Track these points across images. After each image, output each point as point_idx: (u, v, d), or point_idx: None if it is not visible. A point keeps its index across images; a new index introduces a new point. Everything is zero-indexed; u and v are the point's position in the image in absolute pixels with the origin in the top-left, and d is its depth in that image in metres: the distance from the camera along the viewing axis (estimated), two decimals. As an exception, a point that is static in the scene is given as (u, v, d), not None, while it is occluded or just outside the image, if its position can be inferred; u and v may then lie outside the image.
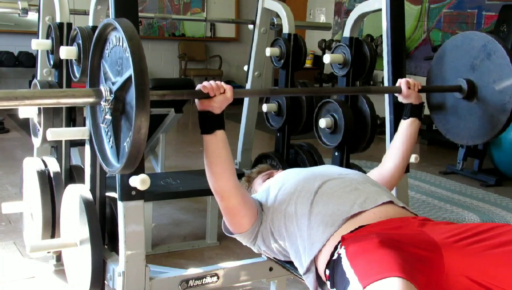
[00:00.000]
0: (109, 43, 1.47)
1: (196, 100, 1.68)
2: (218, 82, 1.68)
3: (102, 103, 1.42)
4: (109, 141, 1.47)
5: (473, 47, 2.05)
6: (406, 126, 2.07)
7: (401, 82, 2.06)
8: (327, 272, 1.61)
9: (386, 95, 2.32)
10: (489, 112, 2.01)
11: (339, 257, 1.52)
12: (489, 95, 2.00)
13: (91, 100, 1.42)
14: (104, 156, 1.50)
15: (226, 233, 1.90)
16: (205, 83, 1.67)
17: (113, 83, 1.41)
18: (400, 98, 2.08)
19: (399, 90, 2.06)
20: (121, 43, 1.39)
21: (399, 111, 2.29)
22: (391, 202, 1.73)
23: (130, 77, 1.30)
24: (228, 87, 1.68)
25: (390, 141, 2.30)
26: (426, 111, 2.26)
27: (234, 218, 1.81)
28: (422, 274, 1.41)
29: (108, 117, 1.42)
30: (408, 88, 2.04)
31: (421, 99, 2.08)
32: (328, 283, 1.60)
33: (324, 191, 1.76)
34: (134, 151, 1.33)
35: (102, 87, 1.42)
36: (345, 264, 1.46)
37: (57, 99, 1.38)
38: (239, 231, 1.83)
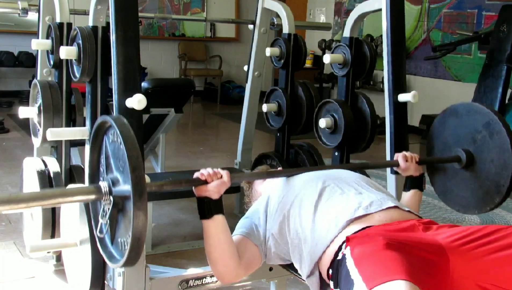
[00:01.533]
0: (110, 136, 1.48)
1: (193, 187, 1.68)
2: (215, 169, 1.69)
3: (102, 200, 1.44)
4: (109, 236, 1.49)
5: (476, 120, 2.06)
6: (408, 198, 2.05)
7: (399, 156, 2.04)
8: (330, 271, 1.61)
9: (386, 94, 2.31)
10: (484, 188, 2.04)
11: (343, 258, 1.51)
12: (485, 172, 2.04)
13: (91, 197, 1.43)
14: (106, 249, 1.52)
15: None
16: (202, 170, 1.68)
17: (114, 182, 1.42)
18: (399, 171, 2.06)
19: (397, 164, 2.04)
20: (120, 144, 1.39)
21: (399, 111, 2.30)
22: (396, 207, 1.73)
23: (129, 195, 1.32)
24: (225, 173, 1.68)
25: (390, 141, 2.30)
26: (430, 111, 2.25)
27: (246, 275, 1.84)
28: (428, 277, 1.41)
29: (107, 213, 1.44)
30: (405, 161, 2.02)
31: (421, 170, 2.06)
32: (331, 283, 1.60)
33: (328, 194, 1.76)
34: (133, 252, 1.35)
35: (101, 185, 1.43)
36: (350, 265, 1.46)
37: (57, 199, 1.39)
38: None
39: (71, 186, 2.12)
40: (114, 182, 1.42)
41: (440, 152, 2.21)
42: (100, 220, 1.48)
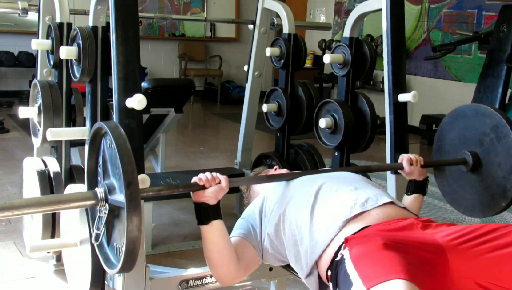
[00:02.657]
0: (107, 141, 1.48)
1: (191, 192, 1.67)
2: (213, 173, 1.67)
3: (98, 206, 1.45)
4: (106, 240, 1.50)
5: (484, 122, 2.03)
6: (410, 201, 2.02)
7: (403, 159, 2.00)
8: (329, 273, 1.61)
9: (386, 94, 2.31)
10: (490, 192, 2.01)
11: (342, 259, 1.51)
12: (492, 176, 2.00)
13: (87, 203, 1.44)
14: (104, 254, 1.53)
15: None
16: (200, 175, 1.66)
17: (110, 189, 1.43)
18: (404, 175, 2.04)
19: (401, 167, 2.00)
20: (114, 151, 1.40)
21: (399, 111, 2.30)
22: (392, 202, 1.73)
23: (123, 207, 1.34)
24: (223, 178, 1.66)
25: (390, 141, 2.30)
26: (430, 111, 2.24)
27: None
28: (427, 276, 1.41)
29: (103, 219, 1.46)
30: (410, 164, 1.98)
31: (425, 174, 2.03)
32: (330, 284, 1.59)
33: (324, 193, 1.75)
34: (129, 257, 1.37)
35: (98, 191, 1.44)
36: (349, 265, 1.45)
37: (52, 206, 1.39)
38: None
39: (70, 186, 2.12)
40: (111, 189, 1.42)
41: (447, 153, 2.17)
42: (95, 231, 1.51)
